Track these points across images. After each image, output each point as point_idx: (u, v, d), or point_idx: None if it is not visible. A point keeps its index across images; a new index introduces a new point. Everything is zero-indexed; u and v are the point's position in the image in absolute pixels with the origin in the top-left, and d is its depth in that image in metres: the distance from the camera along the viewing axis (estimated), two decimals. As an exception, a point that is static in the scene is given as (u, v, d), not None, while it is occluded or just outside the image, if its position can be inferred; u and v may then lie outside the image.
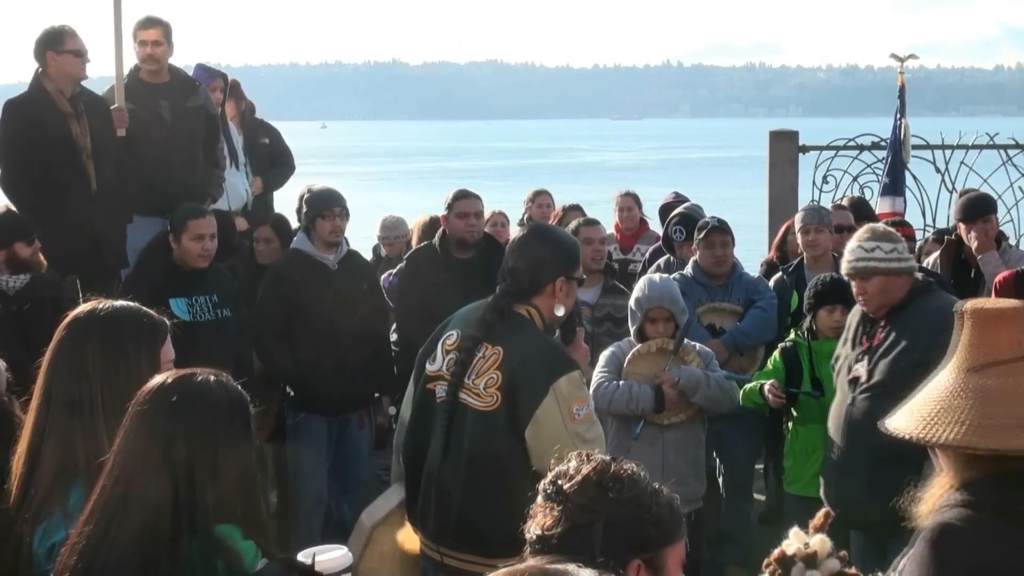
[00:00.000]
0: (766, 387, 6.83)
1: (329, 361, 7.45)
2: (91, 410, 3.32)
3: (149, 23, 8.52)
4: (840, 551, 2.56)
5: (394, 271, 9.27)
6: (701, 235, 7.93)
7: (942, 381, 2.95)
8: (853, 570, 2.58)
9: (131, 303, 3.60)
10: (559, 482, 2.76)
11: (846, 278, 6.25)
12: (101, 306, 3.54)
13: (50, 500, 3.26)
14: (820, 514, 2.65)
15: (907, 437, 2.83)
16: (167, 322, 3.58)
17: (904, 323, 5.87)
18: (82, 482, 3.23)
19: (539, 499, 2.78)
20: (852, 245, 6.08)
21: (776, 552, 2.57)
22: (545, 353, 4.68)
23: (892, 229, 6.29)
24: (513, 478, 4.47)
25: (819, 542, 2.55)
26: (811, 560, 2.52)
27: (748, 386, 6.98)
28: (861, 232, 6.16)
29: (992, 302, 3.07)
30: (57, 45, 7.91)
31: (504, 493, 4.41)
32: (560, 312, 4.82)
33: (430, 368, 4.83)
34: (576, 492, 2.72)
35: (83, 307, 3.55)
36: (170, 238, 7.39)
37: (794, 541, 2.57)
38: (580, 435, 4.56)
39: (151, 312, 3.57)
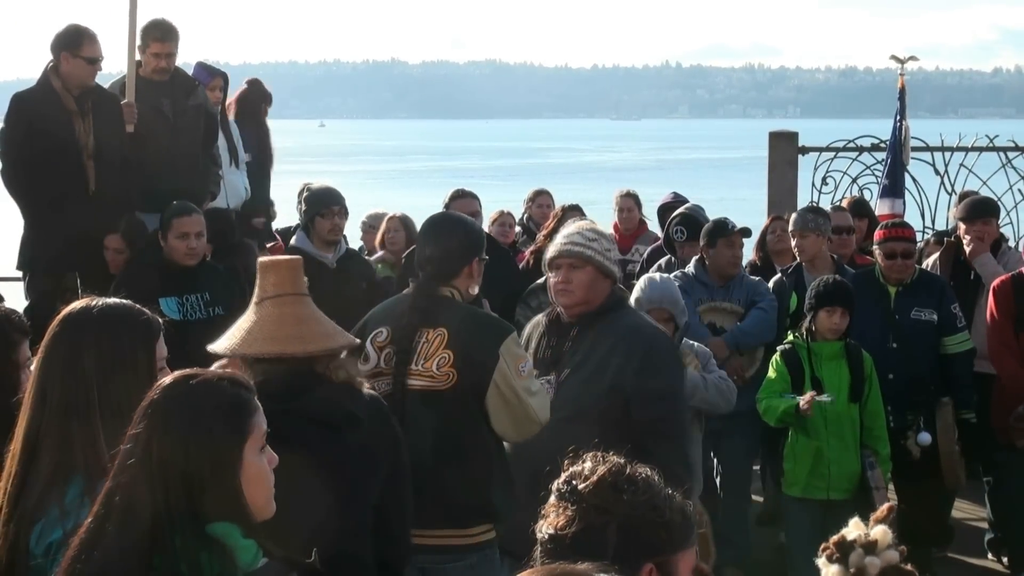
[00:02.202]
0: (802, 403, 6.77)
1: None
2: (87, 409, 3.30)
3: (166, 35, 8.45)
4: (900, 546, 2.55)
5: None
6: (725, 235, 7.89)
7: (246, 313, 4.04)
8: (910, 567, 2.58)
9: (124, 300, 3.60)
10: (573, 482, 2.74)
11: (547, 266, 5.63)
12: (95, 303, 3.51)
13: (47, 498, 3.24)
14: (884, 507, 2.66)
15: (211, 351, 3.93)
16: (159, 320, 3.58)
17: (596, 340, 5.44)
18: (79, 479, 3.22)
19: (552, 499, 2.76)
20: (570, 231, 5.61)
21: (836, 537, 2.58)
22: (486, 322, 5.09)
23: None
24: (473, 445, 4.93)
25: (881, 532, 2.55)
26: (871, 547, 2.52)
27: (782, 407, 6.88)
28: (583, 222, 5.76)
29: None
30: (74, 48, 7.91)
31: (468, 460, 4.91)
32: (475, 291, 5.20)
33: (363, 369, 4.90)
34: (591, 493, 2.71)
35: (76, 304, 3.52)
36: (159, 236, 7.37)
37: (854, 529, 2.57)
38: (528, 389, 4.95)
39: (144, 309, 3.56)
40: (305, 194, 7.99)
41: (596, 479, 2.73)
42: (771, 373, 7.11)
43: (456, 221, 5.45)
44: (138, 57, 8.44)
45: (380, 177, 65.32)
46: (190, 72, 9.19)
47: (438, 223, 5.35)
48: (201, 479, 2.87)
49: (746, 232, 8.08)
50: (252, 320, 3.99)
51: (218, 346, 3.97)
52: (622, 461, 2.81)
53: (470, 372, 4.87)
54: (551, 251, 5.56)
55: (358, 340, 4.60)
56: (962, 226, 8.38)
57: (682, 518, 2.77)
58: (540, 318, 5.73)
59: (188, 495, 2.84)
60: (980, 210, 8.39)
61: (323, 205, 7.64)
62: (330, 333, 4.04)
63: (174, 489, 2.84)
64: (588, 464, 2.79)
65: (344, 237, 8.02)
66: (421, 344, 4.92)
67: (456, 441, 4.91)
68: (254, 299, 4.07)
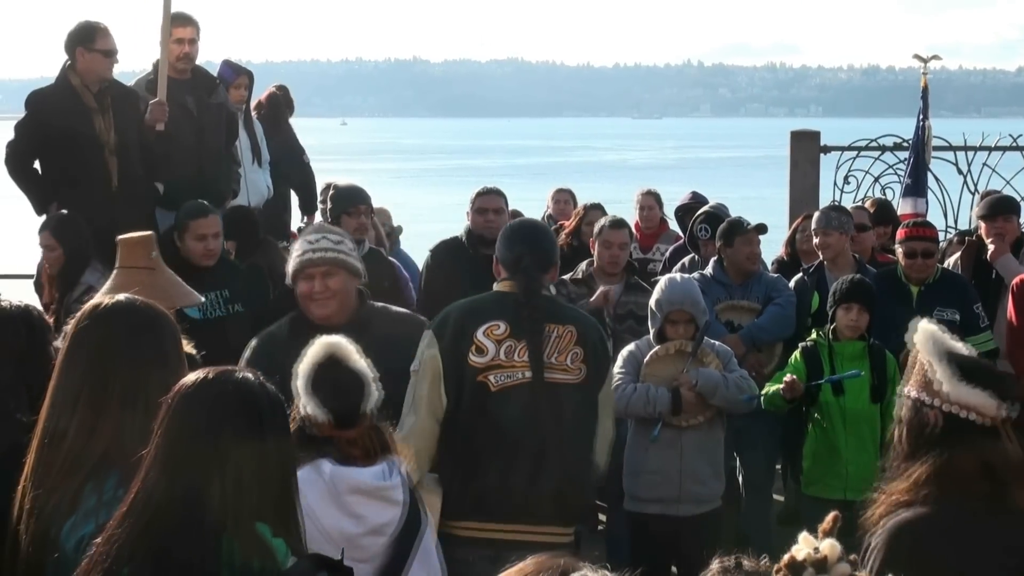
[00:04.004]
0: (784, 378, 6.81)
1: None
2: (119, 401, 3.32)
3: (185, 21, 8.53)
4: (851, 555, 2.54)
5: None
6: (742, 233, 7.92)
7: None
8: (864, 574, 2.57)
9: (136, 296, 3.65)
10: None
11: (293, 277, 5.45)
12: (118, 298, 3.56)
13: (83, 491, 3.25)
14: (829, 518, 2.63)
15: None
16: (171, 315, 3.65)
17: (369, 344, 5.07)
18: (117, 472, 3.23)
19: None
20: (314, 236, 5.47)
21: (786, 558, 2.56)
22: (596, 323, 5.38)
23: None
24: (591, 442, 5.12)
25: (829, 546, 2.53)
26: (821, 565, 2.50)
27: (772, 389, 6.94)
28: (319, 225, 5.51)
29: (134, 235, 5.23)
30: (88, 42, 7.96)
31: (590, 456, 5.11)
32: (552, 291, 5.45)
33: (478, 361, 4.96)
34: None
35: (98, 299, 3.57)
36: (174, 236, 7.31)
37: (804, 546, 2.55)
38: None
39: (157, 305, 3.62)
40: (332, 192, 8.00)
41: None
42: (788, 368, 7.11)
43: (542, 226, 5.70)
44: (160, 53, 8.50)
45: (402, 175, 65.32)
46: (215, 71, 9.24)
47: (532, 224, 5.60)
48: (265, 477, 2.89)
49: (762, 228, 8.05)
50: (104, 288, 4.86)
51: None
52: None
53: (596, 368, 5.09)
54: (298, 260, 5.38)
55: (183, 304, 5.21)
56: (983, 224, 8.36)
57: None
58: (278, 331, 5.46)
59: (227, 496, 2.86)
60: (1000, 207, 8.37)
61: (350, 204, 7.66)
62: (171, 300, 4.74)
63: (246, 488, 2.86)
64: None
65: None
66: (553, 339, 5.03)
67: (583, 435, 5.09)
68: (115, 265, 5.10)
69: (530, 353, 4.96)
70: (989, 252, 8.20)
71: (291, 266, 5.45)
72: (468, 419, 4.98)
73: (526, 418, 4.94)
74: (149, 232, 5.39)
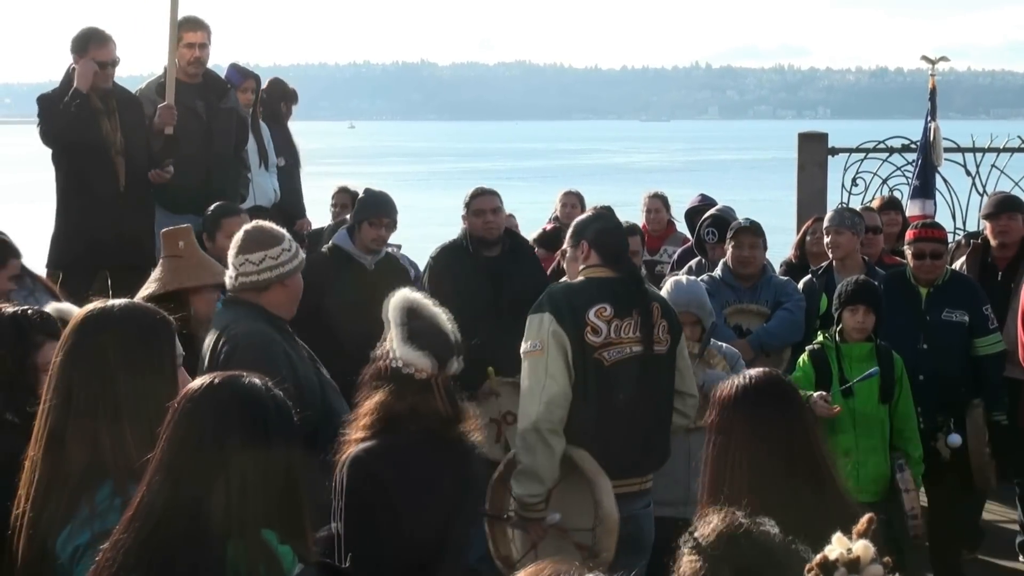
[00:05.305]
0: (814, 397, 6.72)
1: (356, 360, 7.40)
2: (115, 408, 3.28)
3: (196, 25, 8.53)
4: (884, 557, 2.53)
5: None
6: (731, 235, 7.94)
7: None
8: None
9: (136, 301, 3.63)
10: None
11: (286, 276, 5.32)
12: (115, 303, 3.52)
13: (77, 501, 3.23)
14: (864, 519, 2.62)
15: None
16: (172, 319, 3.60)
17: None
18: (110, 482, 3.21)
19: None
20: (282, 244, 5.29)
21: (819, 557, 2.55)
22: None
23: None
24: (672, 400, 5.82)
25: (862, 547, 2.51)
26: (854, 565, 2.49)
27: None
28: (272, 229, 5.36)
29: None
30: (83, 53, 7.95)
31: (671, 413, 5.83)
32: None
33: (595, 340, 5.52)
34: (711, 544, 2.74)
35: (95, 305, 3.52)
36: (204, 236, 7.30)
37: (837, 546, 2.54)
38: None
39: (158, 309, 3.58)
40: (361, 196, 7.97)
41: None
42: (796, 372, 7.08)
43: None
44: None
45: (410, 179, 65.25)
46: (223, 74, 9.25)
47: (612, 216, 6.17)
48: (272, 483, 2.89)
49: (752, 229, 7.97)
50: (154, 274, 5.89)
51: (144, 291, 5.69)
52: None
53: (676, 337, 5.80)
54: (300, 260, 5.34)
55: (206, 281, 5.82)
56: (988, 223, 8.35)
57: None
58: (273, 333, 5.32)
59: (261, 499, 2.86)
60: (1004, 205, 8.35)
61: (374, 214, 7.61)
62: (181, 280, 5.77)
63: (252, 494, 2.85)
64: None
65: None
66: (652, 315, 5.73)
67: (668, 396, 5.78)
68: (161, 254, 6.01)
69: (642, 329, 5.58)
70: (993, 245, 8.18)
71: (292, 265, 5.33)
72: (588, 392, 5.51)
73: (639, 386, 5.55)
74: (186, 225, 6.22)
